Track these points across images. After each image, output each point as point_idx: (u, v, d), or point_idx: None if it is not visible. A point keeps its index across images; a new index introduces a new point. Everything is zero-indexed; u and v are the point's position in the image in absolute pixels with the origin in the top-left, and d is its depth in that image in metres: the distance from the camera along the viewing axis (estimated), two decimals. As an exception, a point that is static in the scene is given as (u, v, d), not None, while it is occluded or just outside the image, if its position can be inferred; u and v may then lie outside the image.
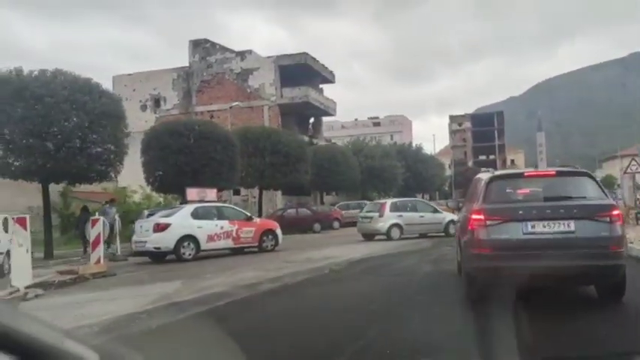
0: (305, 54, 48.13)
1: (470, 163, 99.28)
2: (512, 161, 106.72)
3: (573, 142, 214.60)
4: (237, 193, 38.71)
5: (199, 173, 23.78)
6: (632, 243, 12.31)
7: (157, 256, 16.92)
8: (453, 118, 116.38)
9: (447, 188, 75.58)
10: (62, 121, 17.92)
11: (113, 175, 21.05)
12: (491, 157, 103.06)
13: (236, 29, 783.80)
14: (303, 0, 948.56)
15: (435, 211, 23.50)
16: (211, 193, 20.47)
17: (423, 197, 48.61)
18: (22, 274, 9.91)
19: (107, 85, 23.43)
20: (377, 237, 22.40)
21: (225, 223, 17.76)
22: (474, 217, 7.12)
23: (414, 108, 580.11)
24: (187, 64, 50.22)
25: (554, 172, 7.96)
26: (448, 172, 79.27)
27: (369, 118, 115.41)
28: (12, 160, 18.32)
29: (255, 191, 35.50)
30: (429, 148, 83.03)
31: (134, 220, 20.22)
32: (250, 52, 49.48)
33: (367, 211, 24.12)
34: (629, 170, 24.43)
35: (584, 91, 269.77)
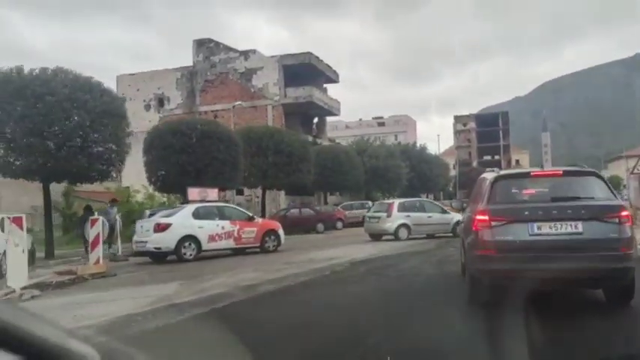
0: (309, 53, 47.92)
1: (474, 164, 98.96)
2: (517, 161, 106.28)
3: (579, 142, 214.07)
4: (240, 193, 38.57)
5: (202, 173, 23.63)
6: (640, 245, 12.09)
7: (158, 257, 16.77)
8: (457, 119, 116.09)
9: (451, 189, 75.28)
10: (63, 119, 17.78)
11: (114, 175, 20.93)
12: (496, 157, 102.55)
13: (239, 29, 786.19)
14: (306, 0, 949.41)
15: (443, 211, 23.34)
16: (213, 193, 20.31)
17: (427, 197, 48.32)
18: (18, 274, 9.77)
19: (111, 84, 23.33)
20: (384, 237, 22.26)
21: (226, 223, 17.60)
22: (479, 217, 6.95)
23: (419, 108, 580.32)
24: (191, 64, 50.07)
25: (561, 172, 7.74)
26: (453, 172, 78.93)
27: (373, 118, 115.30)
28: (13, 159, 18.23)
29: (259, 191, 35.34)
30: (433, 149, 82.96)
31: (136, 220, 20.09)
32: (254, 51, 49.29)
33: (375, 211, 24.00)
34: (635, 171, 24.26)
35: (590, 92, 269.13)
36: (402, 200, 24.98)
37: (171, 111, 47.80)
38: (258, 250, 18.30)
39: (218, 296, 9.06)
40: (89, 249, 14.40)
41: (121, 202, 26.59)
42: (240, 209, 20.03)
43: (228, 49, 49.54)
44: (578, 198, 6.98)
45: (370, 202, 39.68)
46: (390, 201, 25.15)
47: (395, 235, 21.82)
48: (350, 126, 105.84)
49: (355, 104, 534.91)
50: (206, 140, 24.22)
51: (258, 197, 36.85)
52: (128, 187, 29.87)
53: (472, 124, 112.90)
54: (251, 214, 19.35)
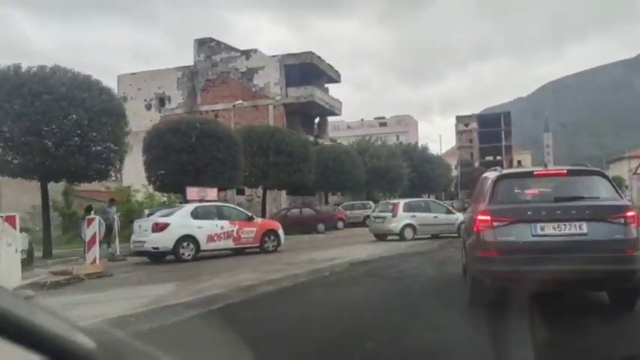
0: (310, 53, 47.74)
1: (476, 164, 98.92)
2: (519, 162, 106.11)
3: (581, 143, 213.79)
4: (241, 192, 38.43)
5: (201, 172, 23.47)
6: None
7: (156, 257, 16.61)
8: (459, 119, 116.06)
9: (453, 189, 75.10)
10: (61, 118, 17.63)
11: (113, 174, 20.77)
12: (498, 157, 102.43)
13: (241, 29, 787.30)
14: (309, 0, 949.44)
15: (448, 211, 23.22)
16: (212, 193, 20.14)
17: (429, 198, 48.12)
18: (11, 274, 9.60)
19: (112, 84, 23.23)
20: (389, 237, 22.14)
21: (225, 223, 17.42)
22: (480, 217, 6.78)
23: (421, 108, 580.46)
24: (192, 63, 49.97)
25: (565, 171, 7.49)
26: (454, 172, 78.74)
27: (375, 118, 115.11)
28: (10, 157, 18.09)
29: (260, 191, 35.19)
30: (435, 149, 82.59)
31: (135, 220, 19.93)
32: (255, 51, 49.14)
33: (380, 211, 23.87)
34: (638, 171, 24.10)
35: (592, 92, 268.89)
36: (408, 200, 24.85)
37: (172, 110, 47.67)
38: (257, 250, 18.13)
39: (214, 297, 8.91)
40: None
41: (120, 201, 26.47)
42: (240, 209, 19.84)
43: (230, 48, 49.42)
44: (583, 198, 6.80)
45: (371, 203, 39.55)
46: (396, 201, 25.01)
47: (400, 236, 21.69)
48: (352, 126, 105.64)
49: (357, 104, 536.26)
50: (206, 139, 24.04)
51: (259, 197, 36.68)
52: (129, 187, 29.73)
53: (474, 125, 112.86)
54: (250, 214, 19.17)
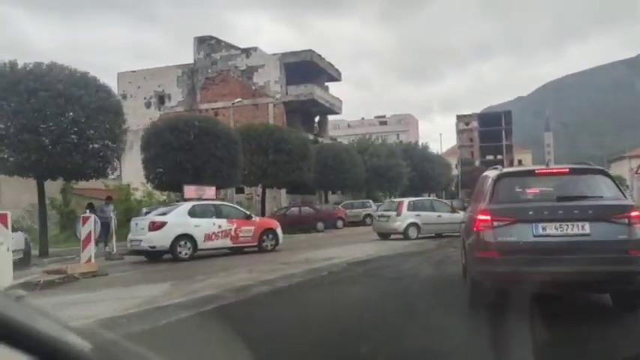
0: (311, 51, 47.56)
1: (477, 163, 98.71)
2: (520, 161, 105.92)
3: (581, 142, 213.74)
4: (241, 191, 38.30)
5: (200, 170, 23.34)
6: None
7: (153, 255, 16.46)
8: (460, 118, 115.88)
9: (453, 188, 74.94)
10: (57, 115, 17.50)
11: (110, 172, 20.60)
12: (499, 157, 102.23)
13: (242, 29, 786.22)
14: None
15: (453, 210, 23.09)
16: (210, 191, 19.95)
17: (429, 196, 47.97)
18: (2, 274, 9.43)
19: (112, 82, 23.09)
20: (392, 236, 22.06)
21: (223, 222, 17.25)
22: (480, 217, 6.61)
23: (421, 107, 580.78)
24: (192, 61, 49.80)
25: (567, 170, 7.30)
26: (455, 171, 78.56)
27: (375, 117, 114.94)
28: (6, 155, 17.91)
29: (260, 189, 35.05)
30: (435, 148, 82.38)
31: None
32: (255, 49, 48.96)
33: (384, 210, 23.80)
34: (639, 171, 23.92)
35: (593, 92, 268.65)
36: (412, 199, 24.78)
37: (172, 108, 47.52)
38: (255, 249, 17.96)
39: (208, 298, 8.73)
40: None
41: (119, 199, 26.33)
42: (238, 207, 19.68)
43: (230, 46, 49.26)
44: (586, 197, 6.62)
45: (371, 202, 39.44)
46: (400, 200, 24.94)
47: (404, 234, 21.61)
48: (352, 125, 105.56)
49: (358, 103, 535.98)
50: (204, 137, 23.91)
51: (258, 196, 36.54)
52: (128, 185, 29.59)
53: (475, 124, 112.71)
54: (248, 213, 19.00)
